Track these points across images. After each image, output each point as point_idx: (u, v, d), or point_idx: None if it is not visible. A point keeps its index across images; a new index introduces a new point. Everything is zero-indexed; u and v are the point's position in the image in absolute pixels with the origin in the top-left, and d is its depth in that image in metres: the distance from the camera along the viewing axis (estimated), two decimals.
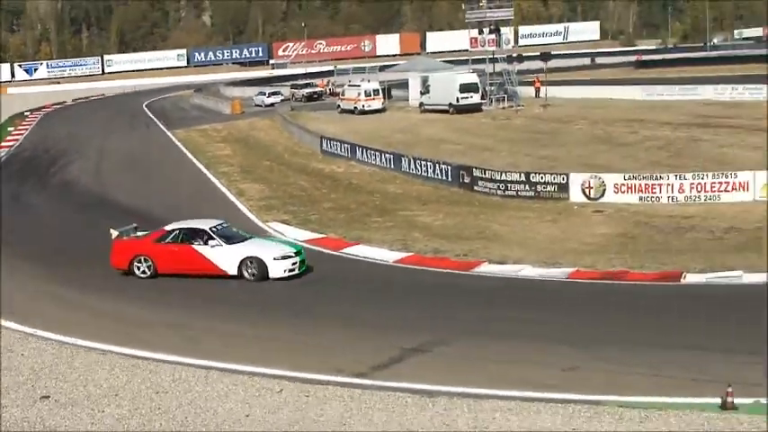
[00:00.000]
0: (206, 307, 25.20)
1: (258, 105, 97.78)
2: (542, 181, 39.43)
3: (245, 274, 27.21)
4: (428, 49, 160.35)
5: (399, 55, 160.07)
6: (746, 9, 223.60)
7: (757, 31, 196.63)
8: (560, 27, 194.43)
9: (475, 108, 78.16)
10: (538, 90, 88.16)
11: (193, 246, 27.80)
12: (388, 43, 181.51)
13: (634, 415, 13.87)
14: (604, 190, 37.85)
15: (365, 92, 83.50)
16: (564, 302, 25.24)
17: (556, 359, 18.57)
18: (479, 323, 22.76)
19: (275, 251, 27.96)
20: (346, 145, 55.90)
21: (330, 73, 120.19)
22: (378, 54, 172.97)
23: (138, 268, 28.10)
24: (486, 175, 41.62)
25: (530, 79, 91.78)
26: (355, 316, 23.80)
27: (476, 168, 42.73)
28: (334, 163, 54.48)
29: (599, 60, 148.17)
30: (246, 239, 28.83)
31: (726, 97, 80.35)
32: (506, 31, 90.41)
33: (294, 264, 27.56)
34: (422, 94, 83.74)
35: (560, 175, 39.43)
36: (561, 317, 23.43)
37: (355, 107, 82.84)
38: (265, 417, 14.12)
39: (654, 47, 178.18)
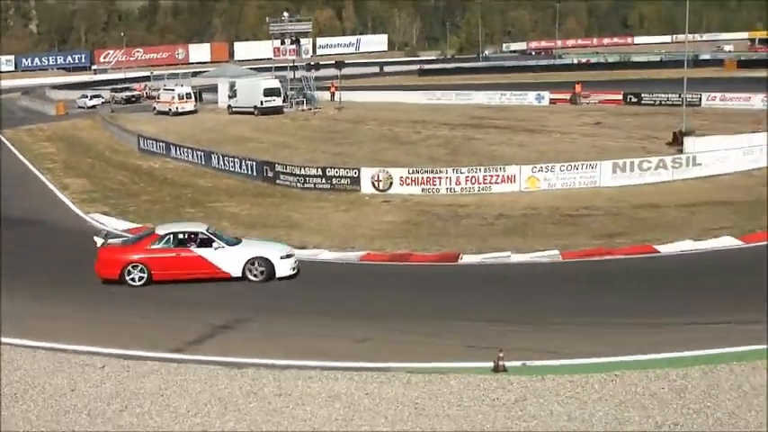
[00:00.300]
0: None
1: (81, 107, 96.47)
2: (337, 175, 40.15)
3: (250, 276, 25.19)
4: (236, 58, 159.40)
5: (210, 62, 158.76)
6: (513, 26, 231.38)
7: (522, 45, 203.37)
8: (353, 39, 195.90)
9: (277, 110, 79.06)
10: (333, 94, 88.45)
11: (193, 249, 25.41)
12: (199, 52, 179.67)
13: (419, 379, 14.29)
14: (391, 183, 38.79)
15: (179, 95, 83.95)
16: (356, 282, 25.90)
17: (350, 332, 19.10)
18: (280, 301, 23.39)
19: (279, 250, 26.21)
20: (161, 143, 55.62)
21: (147, 78, 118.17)
22: (190, 61, 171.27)
23: (132, 276, 25.01)
24: (287, 170, 42.04)
25: (326, 85, 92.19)
26: (168, 296, 23.97)
27: (278, 164, 43.14)
28: (151, 160, 54.00)
29: (387, 69, 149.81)
30: (239, 242, 26.64)
31: (495, 102, 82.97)
32: (305, 42, 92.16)
33: (296, 262, 25.91)
34: (230, 97, 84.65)
35: (353, 169, 40.28)
36: (354, 294, 24.05)
37: (170, 109, 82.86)
38: (89, 390, 13.90)
39: (434, 57, 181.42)
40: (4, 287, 22.83)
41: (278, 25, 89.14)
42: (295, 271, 25.56)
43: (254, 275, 25.11)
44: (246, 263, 25.11)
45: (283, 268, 25.27)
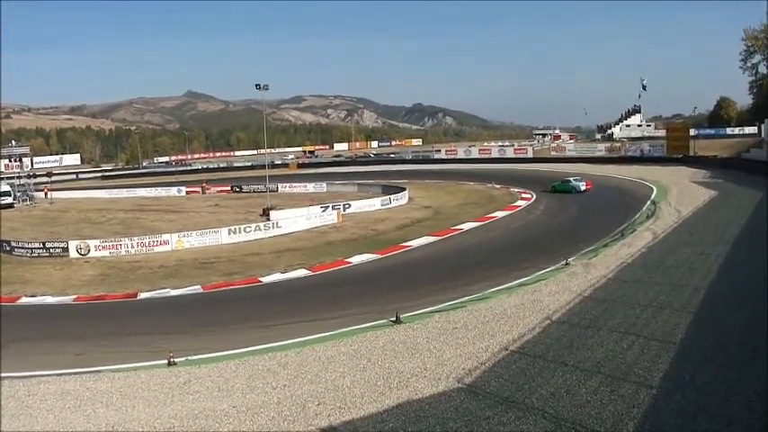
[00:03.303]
0: None
1: None
2: (53, 246, 36.85)
3: None
4: None
5: None
6: (159, 146, 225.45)
7: (166, 158, 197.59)
8: (57, 157, 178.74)
9: (9, 206, 71.38)
10: (46, 194, 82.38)
11: None
12: None
13: (120, 376, 14.22)
14: (89, 249, 36.36)
15: None
16: (72, 315, 24.26)
17: (71, 350, 18.06)
18: (22, 333, 20.90)
19: None
20: None
21: None
22: None
23: None
24: (20, 245, 38.10)
25: (41, 188, 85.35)
26: None
27: (12, 241, 39.07)
28: None
29: (81, 176, 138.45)
30: None
31: (151, 194, 79.89)
32: (26, 160, 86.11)
33: None
34: None
35: (63, 242, 37.16)
36: (71, 323, 22.52)
37: None
38: None
39: (111, 167, 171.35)
40: None
41: (7, 149, 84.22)
42: None
43: None
44: None
45: None
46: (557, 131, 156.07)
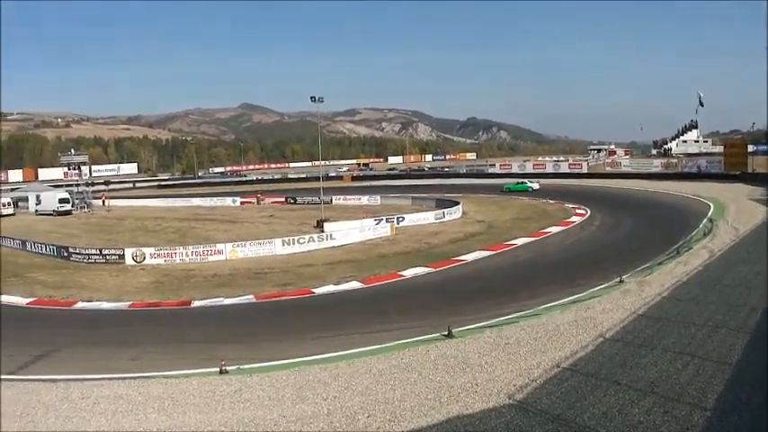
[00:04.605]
0: None
1: None
2: (109, 253, 38.03)
3: None
4: (40, 178, 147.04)
5: (22, 182, 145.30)
6: (215, 157, 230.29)
7: (221, 169, 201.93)
8: (115, 166, 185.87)
9: (68, 213, 75.28)
10: (104, 201, 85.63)
11: None
12: (15, 175, 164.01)
13: (172, 381, 14.30)
14: (145, 257, 37.39)
15: (2, 203, 77.78)
16: (127, 321, 24.77)
17: (126, 355, 18.51)
18: (77, 337, 21.94)
19: None
20: None
21: None
22: (9, 181, 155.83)
23: None
24: (77, 251, 39.42)
25: (99, 196, 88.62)
26: (5, 338, 21.09)
27: (70, 247, 40.49)
28: None
29: (138, 185, 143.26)
30: None
31: (207, 204, 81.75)
32: (84, 169, 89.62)
33: None
34: (36, 204, 79.86)
35: (119, 249, 38.33)
36: (125, 330, 23.00)
37: None
38: None
39: (167, 177, 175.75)
40: None
41: (66, 157, 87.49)
42: None
43: None
44: None
45: None
46: (612, 146, 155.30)
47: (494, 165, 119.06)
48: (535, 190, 73.76)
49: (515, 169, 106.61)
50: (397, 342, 17.41)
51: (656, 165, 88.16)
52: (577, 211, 52.75)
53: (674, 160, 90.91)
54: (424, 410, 11.78)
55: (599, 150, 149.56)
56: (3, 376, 15.63)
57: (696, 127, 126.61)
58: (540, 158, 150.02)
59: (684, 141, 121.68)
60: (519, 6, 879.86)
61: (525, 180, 79.34)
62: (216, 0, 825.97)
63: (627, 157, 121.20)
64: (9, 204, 78.73)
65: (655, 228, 40.58)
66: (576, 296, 22.31)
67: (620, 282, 23.67)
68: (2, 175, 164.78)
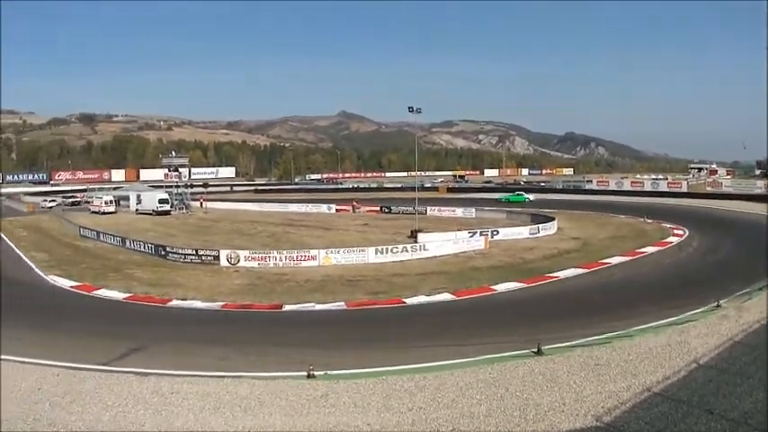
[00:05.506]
0: None
1: (43, 207, 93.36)
2: (205, 254, 39.41)
3: None
4: (141, 179, 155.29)
5: (124, 181, 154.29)
6: (312, 163, 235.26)
7: (318, 176, 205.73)
8: (213, 169, 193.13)
9: (167, 213, 78.87)
10: (201, 203, 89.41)
11: None
12: (118, 174, 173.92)
13: (260, 383, 14.40)
14: (239, 259, 38.40)
15: (105, 201, 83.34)
16: (219, 321, 25.50)
17: (216, 354, 18.90)
18: (170, 334, 22.62)
19: None
20: (94, 231, 53.41)
21: (84, 190, 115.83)
22: (112, 180, 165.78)
23: None
24: (174, 250, 41.12)
25: (197, 198, 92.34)
26: (102, 330, 22.94)
27: (167, 246, 42.27)
28: (87, 242, 51.48)
29: (235, 188, 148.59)
30: None
31: (302, 210, 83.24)
32: (184, 171, 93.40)
33: None
34: (137, 203, 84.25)
35: (215, 250, 39.56)
36: (215, 329, 23.84)
37: (99, 210, 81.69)
38: (48, 389, 13.55)
39: (264, 182, 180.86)
40: None
41: (167, 159, 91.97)
42: None
43: None
44: None
45: None
46: (713, 166, 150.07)
47: (591, 181, 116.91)
48: (531, 201, 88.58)
49: (612, 186, 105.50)
50: (485, 356, 17.09)
51: (760, 186, 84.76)
52: (675, 231, 51.58)
53: None
54: (509, 427, 11.46)
55: (700, 169, 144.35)
56: (96, 367, 16.31)
57: None
58: (638, 176, 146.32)
59: None
60: (623, 17, 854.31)
61: (522, 192, 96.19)
62: (320, 6, 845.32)
63: (729, 177, 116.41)
64: (111, 202, 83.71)
65: (756, 252, 38.68)
66: (670, 319, 21.45)
67: (718, 306, 22.51)
68: (105, 173, 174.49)
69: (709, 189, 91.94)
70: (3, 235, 55.77)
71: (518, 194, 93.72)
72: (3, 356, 16.67)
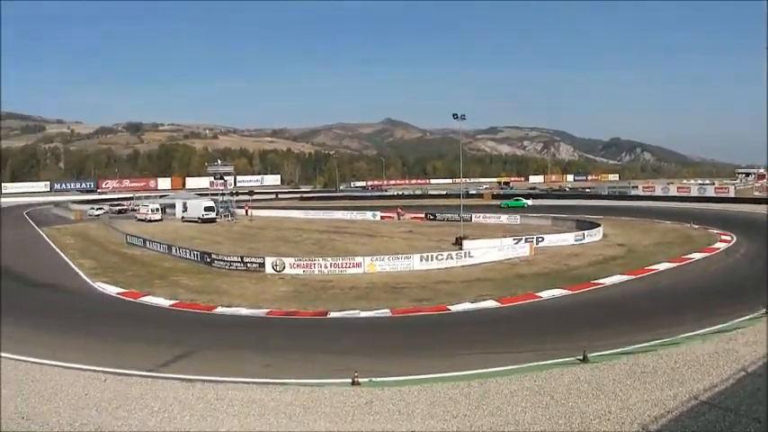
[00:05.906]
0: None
1: (90, 215, 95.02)
2: (250, 261, 39.72)
3: None
4: (187, 186, 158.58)
5: (170, 189, 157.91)
6: (356, 171, 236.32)
7: (362, 183, 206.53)
8: (259, 177, 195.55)
9: (212, 220, 79.81)
10: (247, 211, 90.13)
11: None
12: (164, 182, 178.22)
13: (305, 390, 14.41)
14: (284, 266, 38.56)
15: (151, 209, 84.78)
16: (264, 328, 25.49)
17: (260, 360, 19.00)
18: (215, 341, 22.82)
19: None
20: (140, 239, 54.35)
21: (131, 198, 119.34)
22: (159, 188, 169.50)
23: None
24: (219, 258, 41.52)
25: (242, 205, 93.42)
26: (148, 337, 23.23)
27: (213, 254, 42.67)
28: (134, 249, 52.32)
29: (281, 196, 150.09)
30: None
31: (347, 217, 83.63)
32: (229, 179, 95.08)
33: None
34: (183, 211, 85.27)
35: (260, 257, 39.83)
36: (262, 336, 23.94)
37: (146, 218, 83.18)
38: (95, 394, 13.80)
39: (309, 189, 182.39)
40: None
41: (213, 168, 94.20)
42: None
43: None
44: None
45: None
46: (761, 170, 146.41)
47: (636, 187, 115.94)
48: (529, 206, 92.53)
49: (659, 192, 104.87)
50: (530, 364, 16.95)
51: None
52: (722, 237, 51.01)
53: None
54: None
55: (747, 174, 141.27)
56: (143, 373, 16.56)
57: None
58: (684, 181, 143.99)
59: None
60: (666, 21, 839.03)
61: (521, 197, 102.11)
62: (365, 15, 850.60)
63: None
64: (157, 210, 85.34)
65: None
66: (717, 326, 21.15)
67: (766, 313, 21.98)
68: (151, 181, 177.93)
69: (756, 194, 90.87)
70: (52, 243, 57.27)
71: (516, 200, 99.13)
72: (52, 362, 17.13)
